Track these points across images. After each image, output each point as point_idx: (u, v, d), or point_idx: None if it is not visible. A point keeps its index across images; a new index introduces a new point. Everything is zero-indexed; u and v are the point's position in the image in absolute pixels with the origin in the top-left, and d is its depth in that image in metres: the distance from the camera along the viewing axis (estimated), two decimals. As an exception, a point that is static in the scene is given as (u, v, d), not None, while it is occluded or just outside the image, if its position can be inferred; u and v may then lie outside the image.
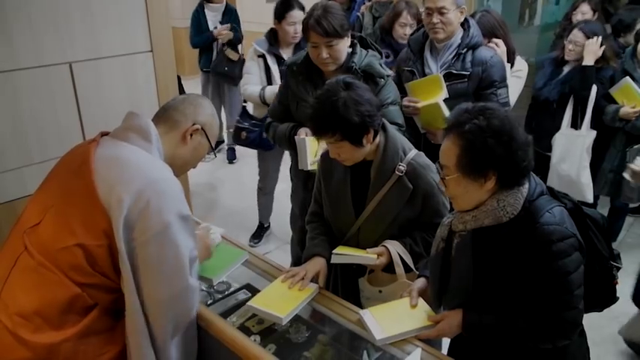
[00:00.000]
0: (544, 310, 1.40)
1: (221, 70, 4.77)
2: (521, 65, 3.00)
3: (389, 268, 1.83)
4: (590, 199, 3.32)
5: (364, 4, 5.51)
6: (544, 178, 3.29)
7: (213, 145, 1.76)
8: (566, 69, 3.32)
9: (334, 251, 1.85)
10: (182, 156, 1.62)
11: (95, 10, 2.12)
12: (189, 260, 1.52)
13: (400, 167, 1.80)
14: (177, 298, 1.51)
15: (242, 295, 1.94)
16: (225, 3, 4.85)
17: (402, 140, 1.89)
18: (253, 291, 1.95)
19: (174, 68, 2.48)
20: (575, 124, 3.33)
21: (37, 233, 1.45)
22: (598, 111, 3.29)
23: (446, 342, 1.74)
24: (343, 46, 2.29)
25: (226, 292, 1.96)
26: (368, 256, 1.81)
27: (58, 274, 1.41)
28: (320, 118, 1.72)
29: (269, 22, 3.32)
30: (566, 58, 3.28)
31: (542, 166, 3.35)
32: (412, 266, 1.84)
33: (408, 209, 1.84)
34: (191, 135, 1.64)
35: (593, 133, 3.31)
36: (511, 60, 2.90)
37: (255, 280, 2.01)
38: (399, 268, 1.81)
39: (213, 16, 4.79)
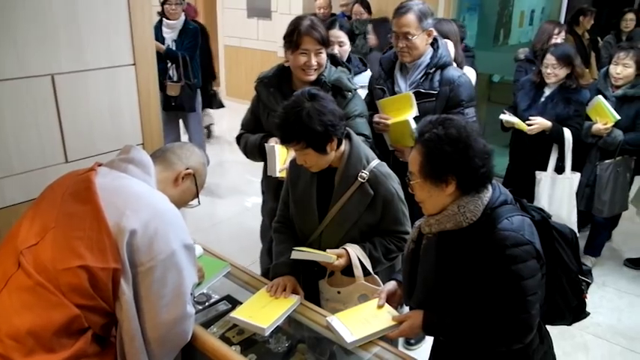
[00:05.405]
0: (497, 313, 1.45)
1: (171, 107, 4.66)
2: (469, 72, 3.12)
3: (348, 271, 1.91)
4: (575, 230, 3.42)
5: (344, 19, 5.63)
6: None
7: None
8: (547, 90, 3.40)
9: (294, 248, 1.92)
10: (170, 197, 1.65)
11: (79, 22, 2.13)
12: (189, 288, 1.56)
13: (362, 174, 1.90)
14: (175, 323, 1.54)
15: (222, 307, 1.96)
16: (183, 20, 4.61)
17: (365, 150, 2.00)
18: (233, 302, 1.97)
19: (156, 82, 2.49)
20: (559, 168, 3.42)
21: (36, 253, 1.44)
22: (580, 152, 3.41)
23: (426, 347, 1.79)
24: (325, 55, 2.40)
25: (207, 304, 1.97)
26: (326, 255, 1.88)
27: (58, 294, 1.40)
28: (285, 127, 1.82)
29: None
30: (547, 81, 3.35)
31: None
32: (370, 270, 1.92)
33: (368, 215, 1.94)
34: (182, 178, 1.73)
35: (578, 175, 3.41)
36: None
37: (236, 292, 2.04)
38: (358, 270, 1.89)
39: (169, 33, 4.59)
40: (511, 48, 5.92)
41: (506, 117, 3.39)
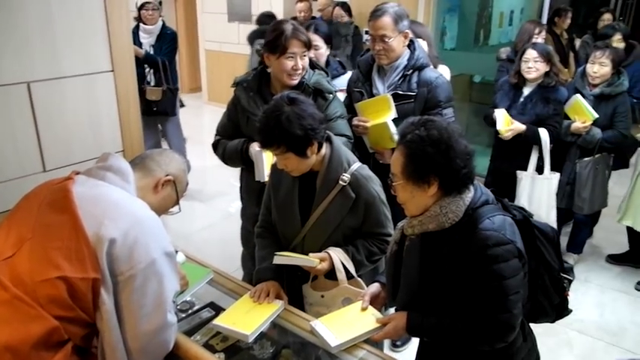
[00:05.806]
0: (479, 312, 1.47)
1: (152, 112, 4.61)
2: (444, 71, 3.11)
3: (331, 274, 1.91)
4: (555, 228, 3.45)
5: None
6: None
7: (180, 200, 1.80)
8: (526, 90, 3.40)
9: (277, 253, 1.91)
10: (150, 204, 1.63)
11: (55, 29, 2.10)
12: (170, 297, 1.54)
13: (344, 177, 1.90)
14: (156, 332, 1.52)
15: (206, 314, 1.94)
16: (160, 25, 4.63)
17: (346, 153, 2.00)
18: (217, 309, 1.95)
19: (135, 88, 2.47)
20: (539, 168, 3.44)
21: (12, 266, 1.41)
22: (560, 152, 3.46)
23: (412, 349, 1.79)
24: (308, 58, 2.41)
25: (190, 311, 1.95)
26: (309, 259, 1.87)
27: (36, 307, 1.37)
28: (266, 131, 1.81)
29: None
30: (527, 77, 3.34)
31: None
32: (354, 273, 1.92)
33: (350, 218, 1.94)
34: (162, 185, 1.71)
35: (557, 175, 3.45)
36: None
37: (219, 299, 2.02)
38: (341, 274, 1.89)
39: (146, 38, 4.58)
40: (491, 48, 5.96)
41: (497, 113, 3.36)
